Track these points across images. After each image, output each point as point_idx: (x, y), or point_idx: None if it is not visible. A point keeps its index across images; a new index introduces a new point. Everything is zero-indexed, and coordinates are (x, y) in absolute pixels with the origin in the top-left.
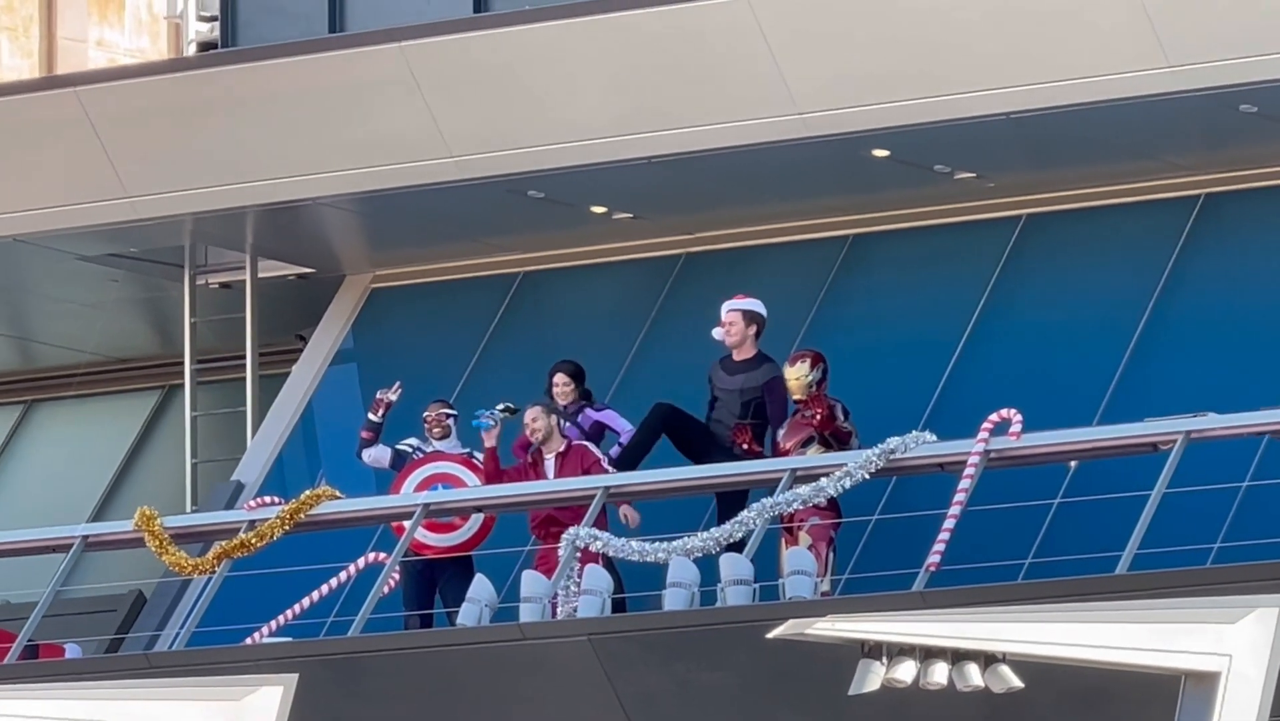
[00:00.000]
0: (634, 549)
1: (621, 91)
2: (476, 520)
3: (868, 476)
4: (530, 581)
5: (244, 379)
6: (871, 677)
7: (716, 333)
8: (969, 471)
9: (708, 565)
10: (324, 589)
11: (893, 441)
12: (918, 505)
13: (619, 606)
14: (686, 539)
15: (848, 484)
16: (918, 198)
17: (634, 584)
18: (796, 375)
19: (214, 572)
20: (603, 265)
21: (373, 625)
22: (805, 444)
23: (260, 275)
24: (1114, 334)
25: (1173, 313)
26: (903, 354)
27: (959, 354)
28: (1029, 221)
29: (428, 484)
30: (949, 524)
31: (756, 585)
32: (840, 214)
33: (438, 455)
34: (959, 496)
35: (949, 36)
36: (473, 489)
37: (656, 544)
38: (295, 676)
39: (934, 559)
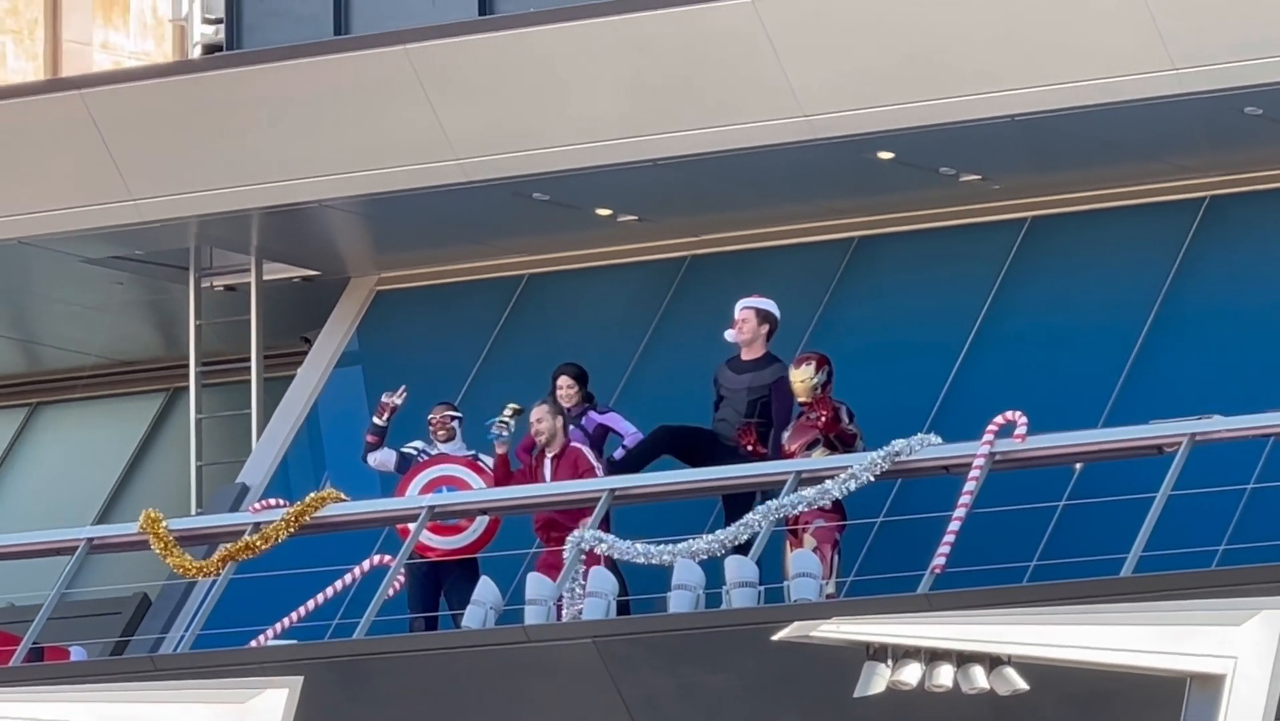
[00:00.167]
0: (639, 551)
1: (626, 94)
2: (481, 522)
3: (873, 478)
4: (535, 584)
5: (249, 381)
6: (876, 680)
7: (729, 335)
8: (974, 473)
9: (713, 567)
10: (329, 591)
11: (898, 443)
12: (923, 507)
13: (623, 609)
14: (691, 541)
15: (853, 486)
16: (923, 200)
17: (639, 586)
18: (802, 377)
19: (219, 575)
20: (608, 267)
21: (378, 627)
22: (810, 446)
23: (265, 277)
24: (1119, 336)
25: (1178, 315)
26: (908, 356)
27: (964, 356)
28: (1034, 224)
29: (432, 486)
30: (954, 526)
31: (761, 587)
32: (845, 216)
33: (443, 457)
34: (964, 498)
35: (954, 39)
36: (477, 491)
37: (661, 546)
38: (300, 679)
39: (939, 561)
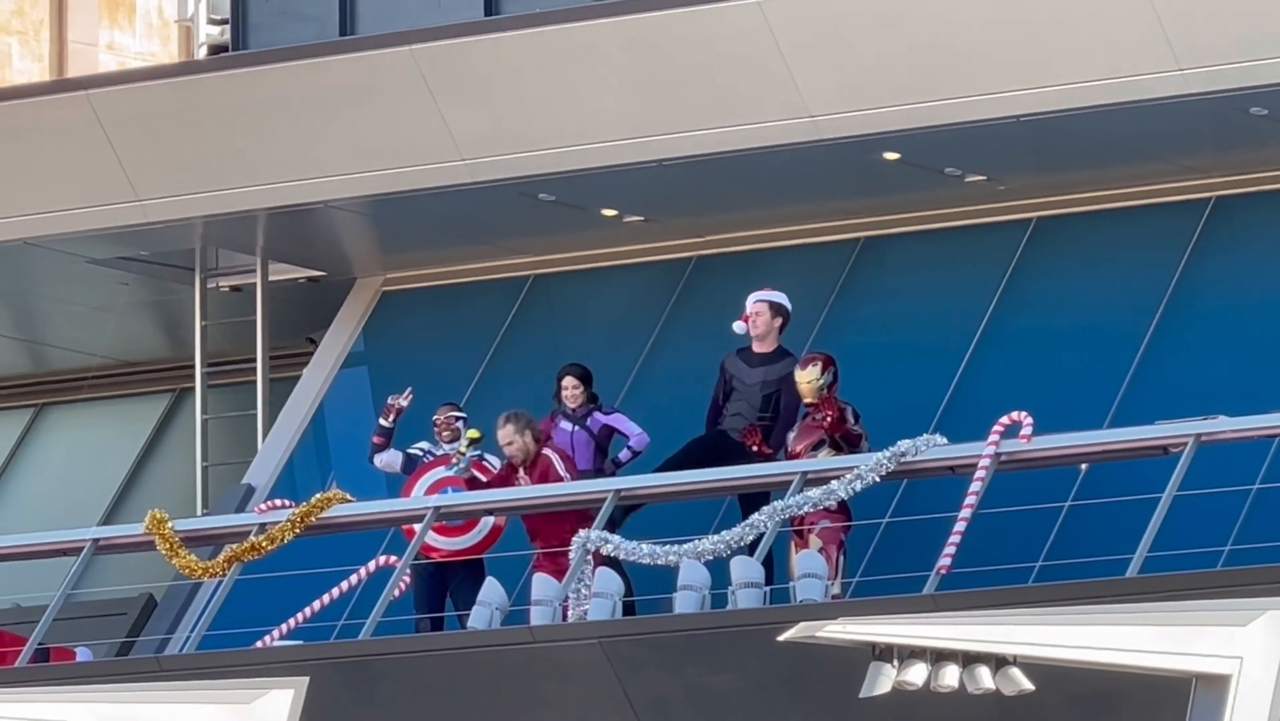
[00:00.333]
0: (644, 551)
1: (632, 95)
2: (487, 523)
3: (878, 479)
4: (541, 584)
5: (255, 382)
6: (882, 680)
7: (738, 326)
8: (980, 474)
9: (718, 568)
10: (335, 592)
11: (903, 444)
12: (928, 508)
13: (629, 609)
14: (697, 542)
15: (858, 486)
16: (928, 200)
17: (644, 587)
18: (808, 378)
19: (225, 576)
20: (614, 268)
21: (383, 628)
22: (816, 446)
23: (271, 278)
24: (1124, 336)
25: (1183, 315)
26: (914, 356)
27: (970, 356)
28: (1040, 224)
29: (438, 487)
30: (960, 526)
31: (767, 588)
32: (851, 217)
33: (448, 458)
34: (970, 499)
35: (960, 40)
36: (483, 492)
37: (667, 546)
38: (306, 679)
39: (945, 561)
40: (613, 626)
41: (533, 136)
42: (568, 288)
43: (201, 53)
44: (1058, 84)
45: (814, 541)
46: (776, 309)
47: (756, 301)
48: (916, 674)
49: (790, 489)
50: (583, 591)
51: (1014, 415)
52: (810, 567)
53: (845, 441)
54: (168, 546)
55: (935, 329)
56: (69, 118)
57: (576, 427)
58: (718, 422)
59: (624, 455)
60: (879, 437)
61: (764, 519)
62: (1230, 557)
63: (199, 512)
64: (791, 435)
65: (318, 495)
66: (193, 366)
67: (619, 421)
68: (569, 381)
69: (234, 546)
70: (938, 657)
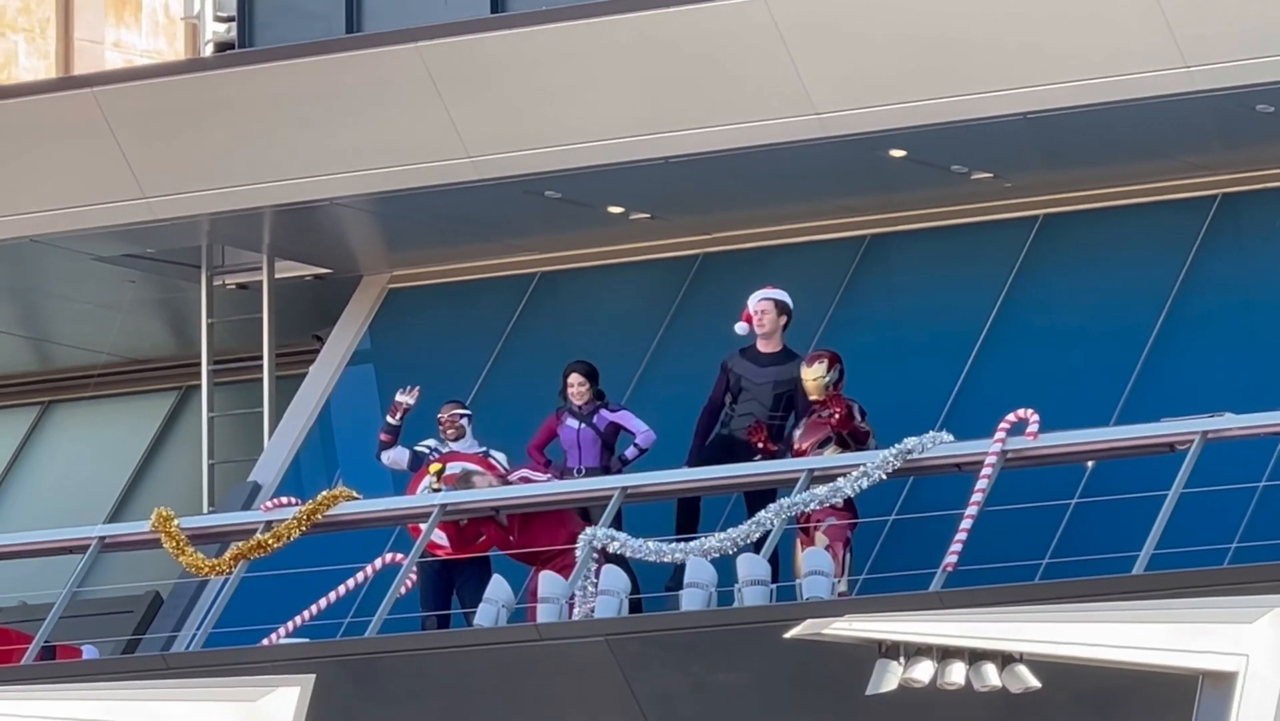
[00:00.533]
0: (651, 549)
1: (638, 92)
2: None
3: (885, 476)
4: (547, 582)
5: (261, 379)
6: (889, 677)
7: (740, 327)
8: (986, 471)
9: (725, 565)
10: (341, 589)
11: (910, 441)
12: (935, 505)
13: (635, 607)
14: (703, 539)
15: (865, 484)
16: (935, 198)
17: (650, 584)
18: (814, 376)
19: (231, 573)
20: (620, 265)
21: (390, 626)
22: (822, 444)
23: (277, 276)
24: (1131, 334)
25: (1189, 312)
26: (920, 354)
27: (976, 354)
28: (1046, 221)
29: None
30: (966, 524)
31: (773, 585)
32: (857, 214)
33: (453, 456)
34: (976, 496)
35: (966, 37)
36: (489, 489)
37: (673, 544)
38: (312, 677)
39: (951, 559)
40: (619, 624)
41: (539, 134)
42: (574, 285)
43: (208, 50)
44: (1064, 81)
45: (820, 539)
46: (781, 307)
47: (761, 300)
48: (923, 671)
49: (796, 486)
50: (589, 589)
51: (1020, 412)
52: (816, 565)
53: (852, 439)
54: (174, 544)
55: (942, 326)
56: (75, 115)
57: (583, 425)
58: (713, 424)
59: (630, 452)
60: (885, 435)
61: (770, 516)
62: (1236, 555)
63: (205, 510)
64: (798, 432)
65: (324, 493)
66: (199, 364)
67: (625, 419)
68: (574, 379)
69: (240, 544)
70: (944, 655)
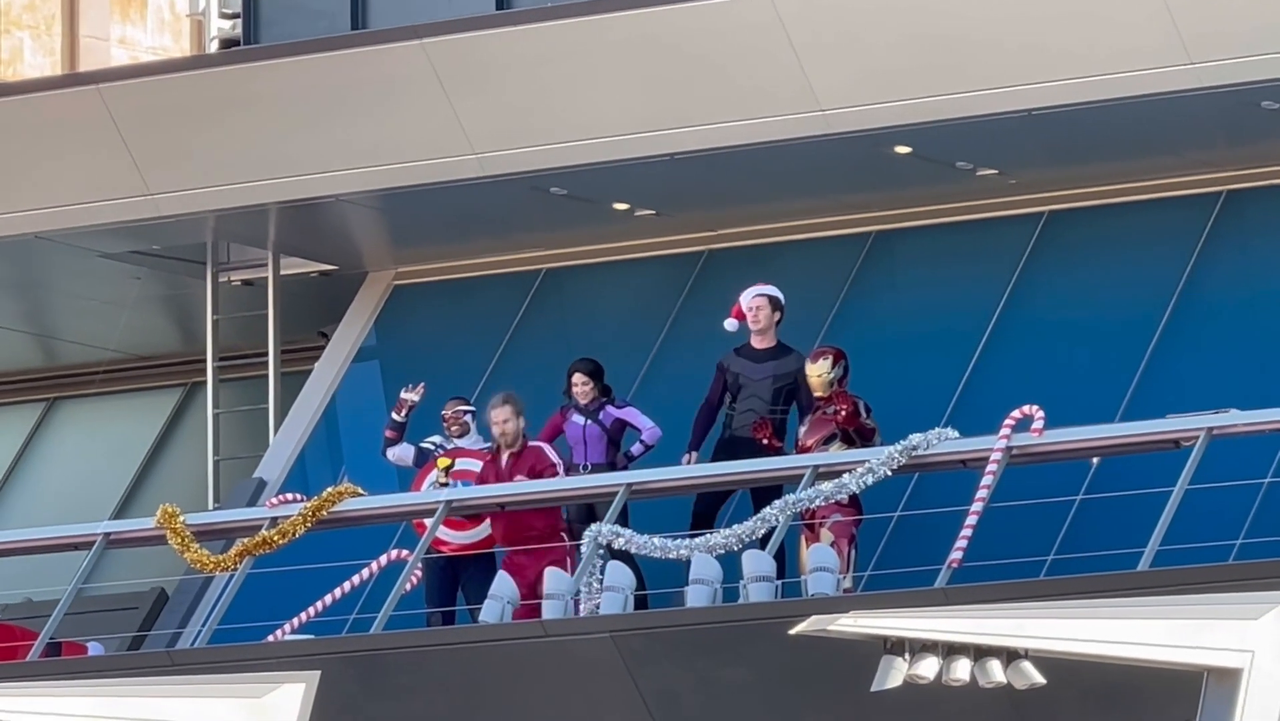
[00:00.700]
0: (656, 545)
1: (644, 88)
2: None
3: (890, 473)
4: (552, 578)
5: (266, 376)
6: (894, 674)
7: (730, 324)
8: (991, 468)
9: (730, 562)
10: (346, 586)
11: (915, 438)
12: (940, 501)
13: (640, 603)
14: (709, 535)
15: (870, 480)
16: (940, 194)
17: (656, 580)
18: (819, 372)
19: (236, 570)
20: (625, 262)
21: (395, 622)
22: (827, 440)
23: (282, 272)
24: (1136, 330)
25: (1194, 309)
26: (925, 350)
27: (981, 350)
28: (1051, 218)
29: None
30: (971, 520)
31: (779, 582)
32: (862, 211)
33: (458, 452)
34: (981, 493)
35: (970, 34)
36: (494, 485)
37: (679, 540)
38: (317, 674)
39: (956, 555)
40: (624, 620)
41: (544, 130)
42: (579, 281)
43: (213, 47)
44: (1069, 77)
45: (825, 535)
46: (774, 302)
47: (756, 296)
48: (928, 667)
49: (801, 482)
50: (594, 585)
51: (1025, 409)
52: (822, 561)
53: (858, 435)
54: (179, 540)
55: (947, 323)
56: (81, 112)
57: (588, 421)
58: (710, 423)
59: (636, 449)
60: (890, 431)
61: (775, 513)
62: (1242, 551)
63: (210, 507)
64: (802, 429)
65: (329, 489)
66: (204, 360)
67: (631, 415)
68: (578, 378)
69: (245, 540)
70: (949, 651)
